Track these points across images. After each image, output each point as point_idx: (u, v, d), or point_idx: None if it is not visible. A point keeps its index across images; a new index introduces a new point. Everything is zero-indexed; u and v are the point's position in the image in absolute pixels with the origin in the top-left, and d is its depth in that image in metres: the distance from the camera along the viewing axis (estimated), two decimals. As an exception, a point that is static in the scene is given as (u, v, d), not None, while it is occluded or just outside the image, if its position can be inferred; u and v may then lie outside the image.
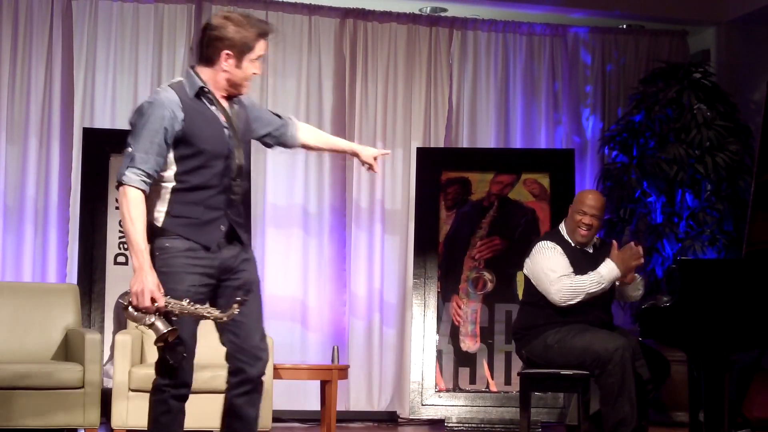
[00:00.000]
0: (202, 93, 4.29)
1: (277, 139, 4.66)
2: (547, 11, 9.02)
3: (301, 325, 8.61)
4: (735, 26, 9.07)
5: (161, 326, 4.15)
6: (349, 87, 8.86)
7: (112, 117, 8.36)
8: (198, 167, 4.24)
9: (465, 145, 8.99)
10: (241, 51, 4.27)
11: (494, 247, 8.42)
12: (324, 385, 7.32)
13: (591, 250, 6.44)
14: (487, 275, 8.41)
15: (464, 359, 8.33)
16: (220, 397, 6.70)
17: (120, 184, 4.15)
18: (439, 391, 8.26)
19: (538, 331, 6.30)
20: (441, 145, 8.93)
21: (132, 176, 4.14)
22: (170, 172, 4.23)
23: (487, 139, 9.04)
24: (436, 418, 8.30)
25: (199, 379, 6.60)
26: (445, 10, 9.02)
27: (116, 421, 6.54)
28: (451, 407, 8.22)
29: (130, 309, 4.17)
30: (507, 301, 8.33)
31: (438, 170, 8.56)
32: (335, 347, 7.55)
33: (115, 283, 7.92)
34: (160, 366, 4.30)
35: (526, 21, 9.18)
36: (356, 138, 8.78)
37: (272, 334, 7.62)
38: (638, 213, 8.52)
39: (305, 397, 8.31)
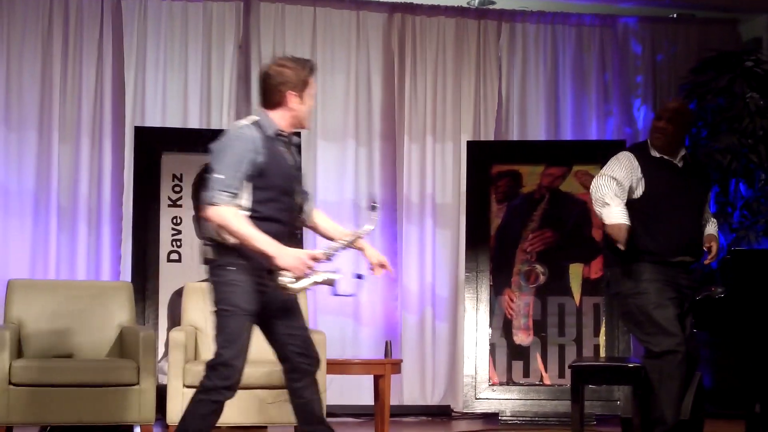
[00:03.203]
0: (278, 135, 4.63)
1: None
2: (596, 2, 8.97)
3: (353, 320, 8.63)
4: (787, 13, 8.99)
5: (332, 275, 4.60)
6: (398, 82, 8.86)
7: (163, 115, 8.42)
8: (269, 200, 4.57)
9: (515, 138, 8.97)
10: (302, 89, 4.65)
11: (546, 240, 8.39)
12: (377, 379, 7.32)
13: (680, 164, 5.87)
14: (539, 268, 8.37)
15: (517, 352, 8.30)
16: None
17: (211, 204, 4.45)
18: (493, 384, 8.24)
19: (627, 257, 5.74)
20: (491, 138, 8.91)
21: (222, 197, 4.44)
22: (246, 201, 4.54)
23: (538, 132, 9.00)
24: (489, 411, 8.29)
25: (252, 375, 6.65)
26: (493, 2, 8.99)
27: (171, 417, 6.57)
28: (505, 401, 8.20)
29: (289, 284, 4.48)
30: (559, 294, 8.30)
31: (488, 163, 8.54)
32: (388, 342, 7.55)
33: (169, 280, 8.00)
34: None
35: (574, 12, 9.13)
36: (406, 132, 8.79)
37: (325, 329, 7.64)
38: (691, 203, 8.46)
39: (358, 391, 8.32)
